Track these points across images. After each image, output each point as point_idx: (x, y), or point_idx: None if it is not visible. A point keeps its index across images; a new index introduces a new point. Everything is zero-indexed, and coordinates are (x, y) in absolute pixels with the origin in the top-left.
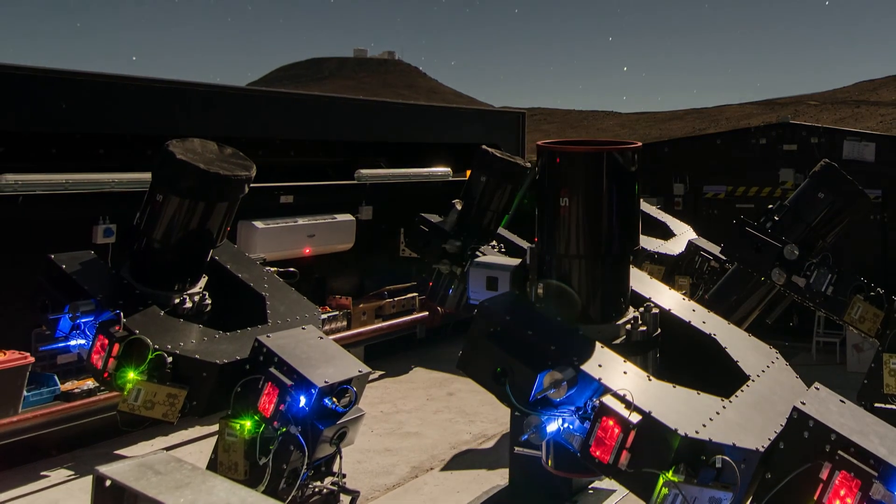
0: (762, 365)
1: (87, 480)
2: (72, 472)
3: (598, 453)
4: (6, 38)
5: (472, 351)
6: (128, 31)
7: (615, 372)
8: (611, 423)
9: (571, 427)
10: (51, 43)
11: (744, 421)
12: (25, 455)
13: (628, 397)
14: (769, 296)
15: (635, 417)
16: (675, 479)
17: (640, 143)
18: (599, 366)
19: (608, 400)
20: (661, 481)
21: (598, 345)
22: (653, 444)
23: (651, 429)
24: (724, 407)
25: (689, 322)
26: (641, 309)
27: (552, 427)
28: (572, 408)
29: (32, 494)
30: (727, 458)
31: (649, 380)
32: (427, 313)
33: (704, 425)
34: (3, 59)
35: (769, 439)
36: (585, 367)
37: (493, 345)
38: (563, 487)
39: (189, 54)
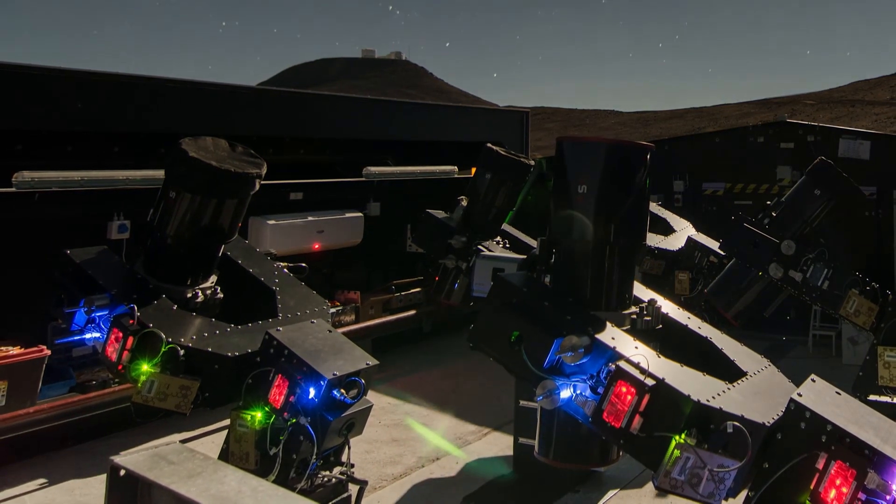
0: (756, 367)
1: (102, 470)
2: (87, 463)
3: (610, 419)
4: (24, 38)
5: (487, 321)
6: (140, 32)
7: (627, 345)
8: (623, 389)
9: (583, 393)
10: (64, 43)
11: (748, 401)
12: (43, 445)
13: (643, 364)
14: (766, 290)
15: (650, 381)
16: (690, 443)
17: (653, 145)
18: (613, 338)
19: (623, 364)
20: (673, 444)
21: (608, 324)
22: (665, 409)
23: (664, 394)
24: (728, 388)
25: (686, 326)
26: (645, 303)
27: (565, 394)
28: (585, 376)
29: (50, 484)
30: (738, 424)
31: (658, 357)
32: (433, 307)
33: (714, 397)
34: (20, 59)
35: (773, 418)
36: (600, 337)
37: (512, 313)
38: (565, 476)
39: (201, 55)
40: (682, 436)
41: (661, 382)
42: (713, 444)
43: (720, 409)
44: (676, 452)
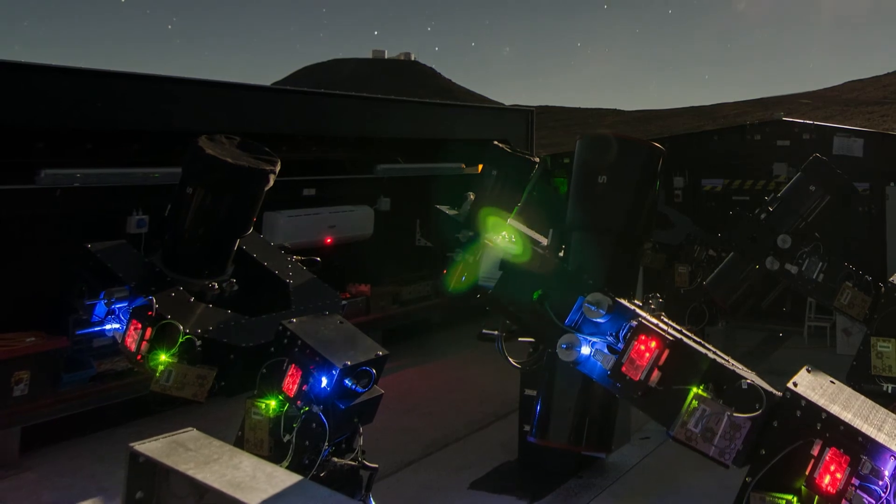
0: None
1: (122, 456)
2: (107, 449)
3: (629, 374)
4: (45, 39)
5: (509, 282)
6: (153, 32)
7: (643, 312)
8: (642, 347)
9: (602, 350)
10: (82, 44)
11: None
12: (64, 433)
13: (662, 325)
14: (763, 282)
15: (670, 336)
16: (706, 395)
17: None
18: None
19: (644, 321)
20: (691, 394)
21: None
22: (683, 365)
23: (683, 350)
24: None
25: (681, 330)
26: (649, 295)
27: (585, 350)
28: (603, 336)
29: (71, 470)
30: (752, 381)
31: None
32: (441, 299)
33: (726, 362)
34: (41, 59)
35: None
36: (620, 301)
37: (535, 273)
38: (568, 462)
39: (216, 55)
40: (701, 387)
41: (680, 340)
42: (728, 399)
43: (734, 370)
44: (694, 403)
